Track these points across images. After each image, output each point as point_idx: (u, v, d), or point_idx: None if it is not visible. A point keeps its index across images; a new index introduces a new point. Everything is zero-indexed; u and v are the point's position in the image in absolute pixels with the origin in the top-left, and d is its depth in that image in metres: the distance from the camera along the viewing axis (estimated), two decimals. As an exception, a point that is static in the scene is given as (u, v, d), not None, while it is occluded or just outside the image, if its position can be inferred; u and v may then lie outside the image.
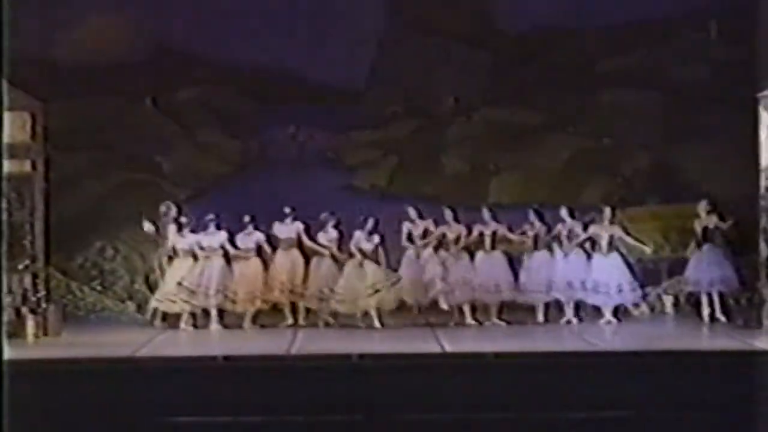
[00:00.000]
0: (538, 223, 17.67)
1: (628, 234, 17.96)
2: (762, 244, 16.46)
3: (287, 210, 17.66)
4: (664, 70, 19.95)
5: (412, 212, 17.88)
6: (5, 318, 14.13)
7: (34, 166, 16.35)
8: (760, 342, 14.92)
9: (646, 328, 17.46)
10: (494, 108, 20.32)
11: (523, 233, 17.65)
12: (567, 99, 19.95)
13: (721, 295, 17.62)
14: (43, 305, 16.28)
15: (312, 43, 19.42)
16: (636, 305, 18.21)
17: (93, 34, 19.57)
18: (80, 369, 13.54)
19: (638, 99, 20.03)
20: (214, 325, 17.37)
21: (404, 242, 17.74)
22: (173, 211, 17.78)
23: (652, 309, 18.58)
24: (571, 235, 17.68)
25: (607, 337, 16.50)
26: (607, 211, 17.85)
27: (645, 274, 18.54)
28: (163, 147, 19.97)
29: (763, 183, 16.43)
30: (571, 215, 17.84)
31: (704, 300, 17.66)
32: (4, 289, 15.32)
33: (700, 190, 19.49)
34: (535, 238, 17.68)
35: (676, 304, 18.79)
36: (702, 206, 17.89)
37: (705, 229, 17.85)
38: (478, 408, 12.57)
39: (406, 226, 17.80)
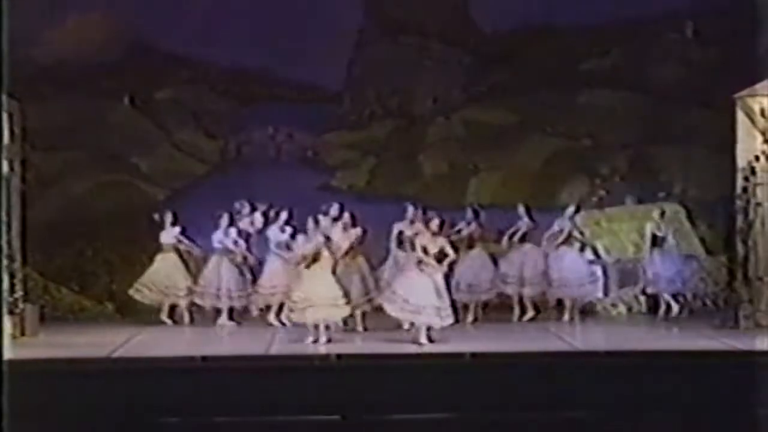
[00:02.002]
0: (473, 223, 17.54)
1: (581, 233, 18.13)
2: (739, 244, 16.51)
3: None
4: (642, 70, 20.00)
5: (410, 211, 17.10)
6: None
7: (11, 167, 16.26)
8: (739, 342, 14.96)
9: (620, 327, 17.55)
10: (473, 108, 20.35)
11: (459, 231, 17.47)
12: (546, 99, 19.99)
13: (680, 295, 17.99)
14: (21, 306, 16.22)
15: (290, 43, 19.40)
16: (599, 299, 18.37)
17: (71, 33, 19.52)
18: (57, 369, 13.51)
19: (616, 99, 20.08)
20: (223, 319, 17.54)
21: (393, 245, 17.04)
22: (246, 210, 17.57)
23: (629, 309, 18.63)
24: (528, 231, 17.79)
25: (578, 336, 16.54)
26: (570, 209, 17.92)
27: (622, 274, 18.65)
28: (141, 147, 19.94)
29: (739, 183, 16.48)
30: (528, 213, 17.85)
31: (665, 300, 18.04)
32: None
33: (678, 191, 19.61)
34: (470, 236, 17.63)
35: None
36: (656, 212, 18.13)
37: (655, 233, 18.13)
38: (455, 408, 12.58)
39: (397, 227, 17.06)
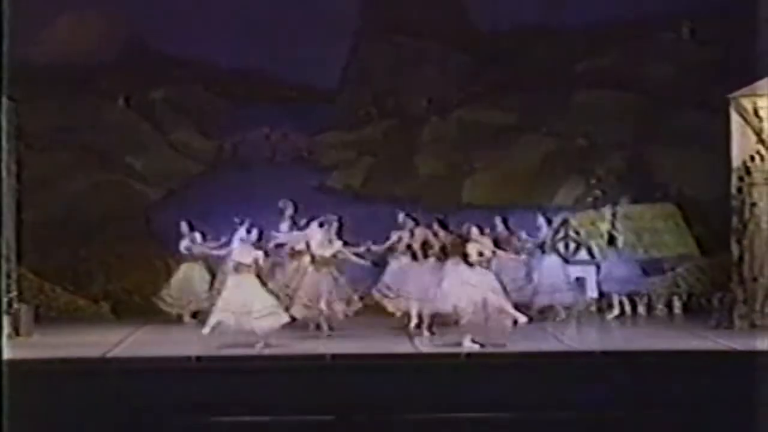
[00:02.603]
0: (442, 233, 16.79)
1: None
2: (734, 245, 16.52)
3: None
4: (637, 70, 20.01)
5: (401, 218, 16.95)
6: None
7: (6, 167, 16.24)
8: (734, 342, 14.97)
9: (616, 327, 17.55)
10: (468, 108, 20.35)
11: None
12: (541, 99, 19.99)
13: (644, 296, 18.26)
14: (15, 306, 16.21)
15: (286, 43, 19.40)
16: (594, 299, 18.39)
17: (66, 32, 19.52)
18: (52, 369, 13.50)
19: (612, 99, 20.09)
20: None
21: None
22: (290, 210, 17.31)
23: (622, 311, 18.60)
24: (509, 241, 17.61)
25: (577, 337, 16.54)
26: (540, 218, 17.87)
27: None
28: (136, 147, 19.94)
29: (734, 183, 16.49)
30: (504, 223, 17.76)
31: (615, 301, 18.27)
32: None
33: (673, 191, 19.62)
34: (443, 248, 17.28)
35: (648, 304, 18.91)
36: (608, 212, 18.24)
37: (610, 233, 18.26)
38: (451, 408, 12.57)
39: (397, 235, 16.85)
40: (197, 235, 17.87)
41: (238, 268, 15.30)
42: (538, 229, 17.82)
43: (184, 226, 17.94)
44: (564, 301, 17.77)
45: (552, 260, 17.83)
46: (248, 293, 15.05)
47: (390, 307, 16.62)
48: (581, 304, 18.27)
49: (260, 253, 15.39)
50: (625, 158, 19.87)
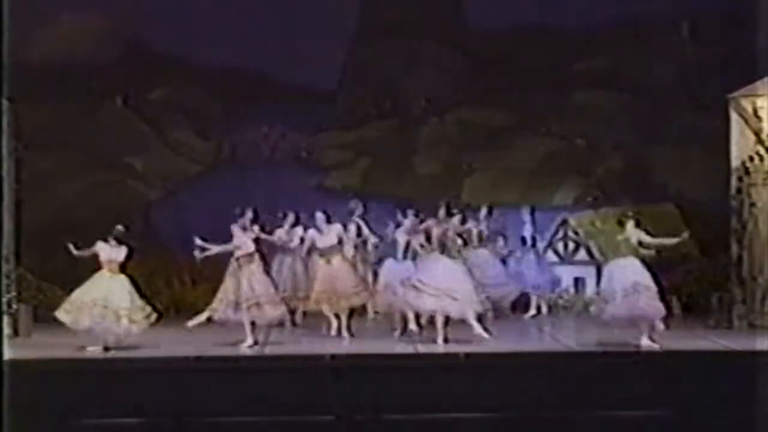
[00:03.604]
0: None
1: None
2: (733, 245, 16.53)
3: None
4: (636, 71, 20.03)
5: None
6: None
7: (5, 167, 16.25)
8: (733, 342, 14.97)
9: (612, 328, 17.57)
10: (467, 109, 20.38)
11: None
12: (540, 100, 20.02)
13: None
14: (14, 306, 16.19)
15: (284, 43, 19.42)
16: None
17: (64, 33, 19.54)
18: (49, 369, 13.50)
19: (611, 100, 20.11)
20: None
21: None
22: (360, 209, 17.00)
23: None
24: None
25: (573, 335, 16.54)
26: (483, 210, 17.80)
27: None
28: (135, 147, 19.95)
29: (733, 184, 16.51)
30: (449, 214, 17.51)
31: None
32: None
33: (673, 191, 19.63)
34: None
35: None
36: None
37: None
38: (449, 408, 12.57)
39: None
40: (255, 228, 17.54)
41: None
42: (477, 221, 17.70)
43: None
44: (507, 294, 17.64)
45: (482, 254, 17.53)
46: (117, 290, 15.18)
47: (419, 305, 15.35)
48: (579, 304, 18.31)
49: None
50: (625, 159, 19.90)
